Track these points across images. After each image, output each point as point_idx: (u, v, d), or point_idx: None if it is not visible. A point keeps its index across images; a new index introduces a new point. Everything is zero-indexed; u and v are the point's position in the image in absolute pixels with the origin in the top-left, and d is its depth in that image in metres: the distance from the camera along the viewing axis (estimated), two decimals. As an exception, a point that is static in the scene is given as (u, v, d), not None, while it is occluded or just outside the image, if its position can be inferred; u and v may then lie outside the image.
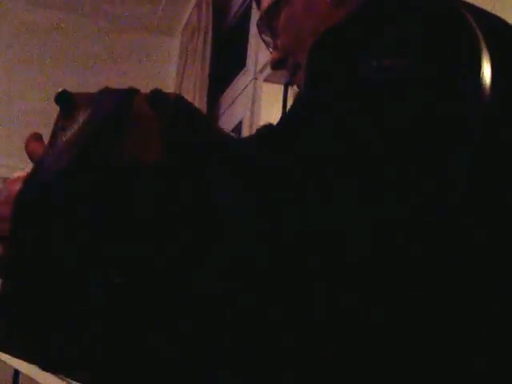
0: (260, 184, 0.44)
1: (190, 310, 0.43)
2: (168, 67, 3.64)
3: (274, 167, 0.45)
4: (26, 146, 0.49)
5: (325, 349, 0.43)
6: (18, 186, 0.46)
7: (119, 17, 3.56)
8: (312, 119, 0.47)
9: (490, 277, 0.48)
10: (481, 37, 0.50)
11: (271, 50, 0.80)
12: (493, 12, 0.62)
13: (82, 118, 0.46)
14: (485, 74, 0.48)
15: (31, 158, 0.49)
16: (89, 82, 3.34)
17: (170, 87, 3.48)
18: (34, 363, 0.47)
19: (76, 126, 0.46)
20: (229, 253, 0.42)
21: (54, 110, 0.48)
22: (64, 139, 0.46)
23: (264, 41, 0.81)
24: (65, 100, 0.48)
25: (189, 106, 0.49)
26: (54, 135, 0.48)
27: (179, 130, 0.47)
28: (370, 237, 0.43)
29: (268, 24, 0.78)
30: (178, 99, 0.49)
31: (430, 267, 0.45)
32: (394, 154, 0.44)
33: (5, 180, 0.48)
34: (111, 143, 0.45)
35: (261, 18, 0.79)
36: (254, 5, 2.86)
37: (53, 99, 0.47)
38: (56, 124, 0.48)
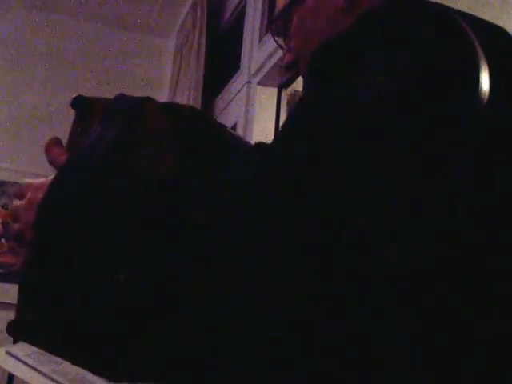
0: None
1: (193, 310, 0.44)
2: (163, 68, 3.64)
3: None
4: (47, 152, 0.49)
5: None
6: (41, 193, 0.46)
7: (115, 17, 3.56)
8: (308, 132, 0.48)
9: (490, 275, 0.49)
10: (478, 46, 0.50)
11: (285, 52, 0.81)
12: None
13: (97, 126, 0.47)
14: (483, 83, 0.48)
15: (52, 163, 0.49)
16: (85, 82, 3.34)
17: (164, 88, 3.49)
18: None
19: (93, 135, 0.46)
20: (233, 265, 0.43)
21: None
22: (82, 147, 0.47)
23: (278, 43, 0.82)
24: (80, 105, 0.49)
25: (203, 118, 0.50)
26: (72, 140, 0.49)
27: (194, 142, 0.48)
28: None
29: (281, 26, 0.79)
30: (193, 111, 0.49)
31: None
32: (395, 164, 0.45)
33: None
34: (127, 154, 0.45)
35: (275, 20, 0.81)
36: (247, 9, 2.85)
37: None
38: (73, 128, 0.49)
